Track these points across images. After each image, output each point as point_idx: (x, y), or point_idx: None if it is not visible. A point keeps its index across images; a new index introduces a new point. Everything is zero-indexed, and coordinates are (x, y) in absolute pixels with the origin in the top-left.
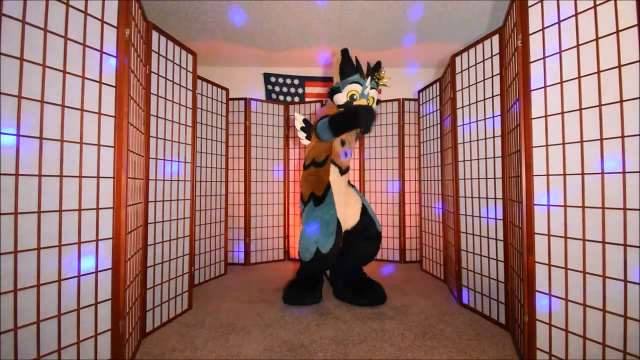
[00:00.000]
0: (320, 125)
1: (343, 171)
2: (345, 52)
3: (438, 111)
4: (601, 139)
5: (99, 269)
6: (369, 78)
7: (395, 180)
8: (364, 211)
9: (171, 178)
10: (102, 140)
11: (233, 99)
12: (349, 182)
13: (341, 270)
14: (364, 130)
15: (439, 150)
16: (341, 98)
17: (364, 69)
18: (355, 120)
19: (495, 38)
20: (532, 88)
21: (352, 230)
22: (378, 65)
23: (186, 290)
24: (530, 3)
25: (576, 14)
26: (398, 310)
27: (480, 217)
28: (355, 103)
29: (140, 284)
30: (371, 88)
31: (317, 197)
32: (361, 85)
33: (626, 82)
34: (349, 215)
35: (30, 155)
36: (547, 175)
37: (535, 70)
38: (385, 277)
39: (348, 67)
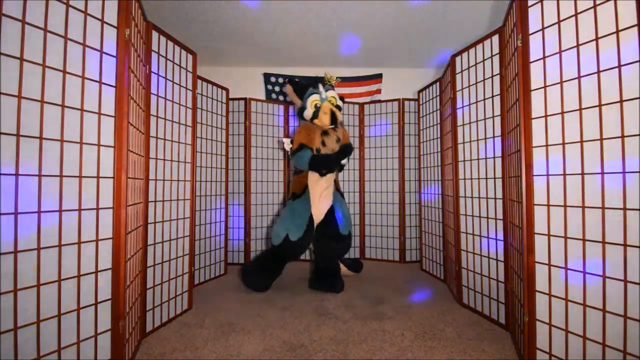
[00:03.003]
0: (297, 159)
1: (324, 173)
2: (292, 82)
3: (438, 111)
4: (601, 139)
5: (99, 269)
6: (320, 85)
7: (395, 180)
8: (331, 211)
9: (171, 178)
10: (102, 140)
11: (233, 99)
12: (338, 189)
13: (317, 262)
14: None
15: (439, 150)
16: (309, 112)
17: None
18: (328, 165)
19: (495, 38)
20: (532, 88)
21: (317, 226)
22: (322, 78)
23: (186, 290)
24: (530, 3)
25: (576, 14)
26: (398, 310)
27: (480, 217)
28: (320, 106)
29: (140, 284)
30: (327, 90)
31: (296, 194)
32: (318, 93)
33: (626, 82)
34: (320, 212)
35: (31, 155)
36: (547, 175)
37: (535, 70)
38: (385, 277)
39: (301, 88)
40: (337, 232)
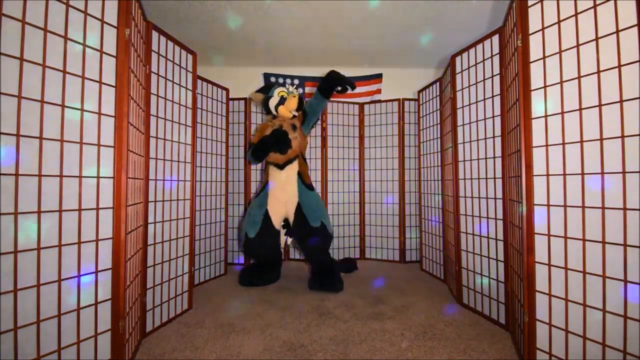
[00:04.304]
0: (248, 157)
1: (282, 165)
2: (259, 90)
3: (438, 111)
4: (601, 139)
5: (99, 269)
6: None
7: (395, 180)
8: (298, 210)
9: (171, 178)
10: (102, 140)
11: (233, 99)
12: (307, 184)
13: (310, 263)
14: (280, 152)
15: (439, 150)
16: (275, 100)
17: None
18: (267, 147)
19: (495, 38)
20: (532, 88)
21: (293, 227)
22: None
23: (186, 290)
24: (530, 3)
25: (576, 14)
26: (398, 310)
27: (480, 217)
28: (287, 98)
29: (140, 284)
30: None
31: (257, 192)
32: (285, 88)
33: (626, 82)
34: (289, 214)
35: (30, 155)
36: (547, 175)
37: (535, 70)
38: (385, 277)
39: (266, 85)
40: (309, 227)
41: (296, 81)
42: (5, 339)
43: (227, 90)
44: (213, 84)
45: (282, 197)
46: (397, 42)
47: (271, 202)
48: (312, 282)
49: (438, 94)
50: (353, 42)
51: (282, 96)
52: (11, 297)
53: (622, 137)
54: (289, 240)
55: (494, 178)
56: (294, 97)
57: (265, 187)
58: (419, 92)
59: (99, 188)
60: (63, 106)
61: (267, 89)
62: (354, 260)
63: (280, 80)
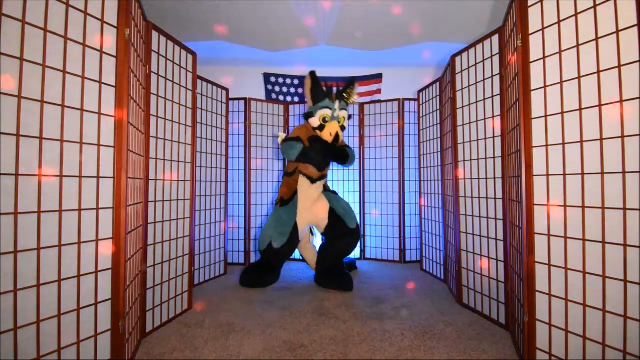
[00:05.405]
0: (288, 147)
1: (315, 180)
2: (313, 76)
3: (438, 111)
4: (601, 139)
5: (99, 269)
6: (337, 101)
7: (395, 180)
8: (332, 214)
9: (171, 178)
10: (102, 140)
11: (233, 99)
12: (327, 189)
13: (322, 263)
14: (318, 168)
15: (439, 150)
16: (315, 121)
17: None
18: (319, 158)
19: (495, 38)
20: (532, 88)
21: (324, 231)
22: (350, 84)
23: (186, 290)
24: (530, 3)
25: (576, 14)
26: (398, 310)
27: (480, 217)
28: (326, 125)
29: (140, 284)
30: (341, 109)
31: (284, 200)
32: (330, 109)
33: (626, 82)
34: (318, 220)
35: (30, 155)
36: (547, 175)
37: (535, 70)
38: (385, 277)
39: (318, 91)
40: (346, 228)
41: (296, 81)
42: (5, 339)
43: (227, 90)
44: (213, 84)
45: (314, 209)
46: (397, 41)
47: (300, 213)
48: (323, 280)
49: (438, 94)
50: (353, 42)
51: (324, 119)
52: (11, 297)
53: (622, 137)
54: None
55: (494, 178)
56: (330, 135)
57: (294, 199)
58: (419, 92)
59: (99, 188)
60: (63, 106)
61: (319, 94)
62: (353, 261)
63: (280, 81)
